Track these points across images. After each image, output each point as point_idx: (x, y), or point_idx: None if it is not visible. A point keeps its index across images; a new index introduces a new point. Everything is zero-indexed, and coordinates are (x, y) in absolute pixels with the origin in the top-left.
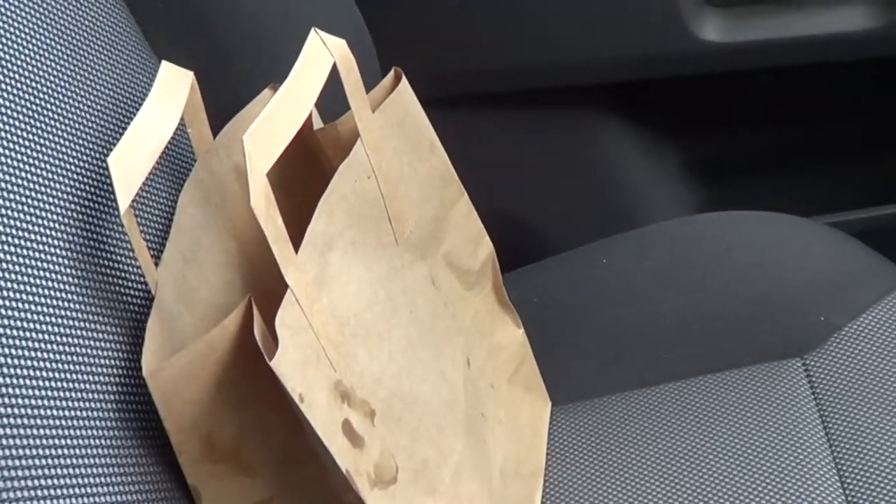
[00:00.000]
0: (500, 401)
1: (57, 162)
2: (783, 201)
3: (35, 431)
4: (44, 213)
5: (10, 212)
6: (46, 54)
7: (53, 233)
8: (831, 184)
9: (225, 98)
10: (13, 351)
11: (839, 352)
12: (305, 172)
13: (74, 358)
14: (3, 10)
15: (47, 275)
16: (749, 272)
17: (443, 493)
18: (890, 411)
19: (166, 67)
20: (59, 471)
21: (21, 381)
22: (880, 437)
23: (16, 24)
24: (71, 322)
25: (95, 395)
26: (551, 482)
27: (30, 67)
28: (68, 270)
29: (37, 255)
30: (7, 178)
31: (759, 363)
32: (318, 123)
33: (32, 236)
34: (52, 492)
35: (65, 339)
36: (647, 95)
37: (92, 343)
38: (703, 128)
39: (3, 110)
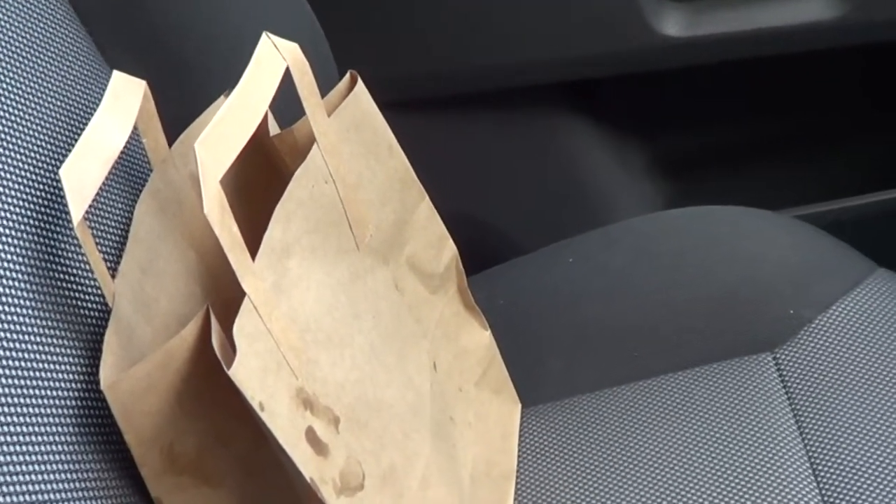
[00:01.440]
0: (468, 404)
1: (8, 175)
2: (750, 195)
3: None
4: None
5: None
6: None
7: (6, 247)
8: (798, 176)
9: (180, 107)
10: None
11: (809, 345)
12: (263, 179)
13: (31, 373)
14: None
15: (1, 290)
16: (717, 267)
17: (411, 499)
18: (861, 403)
19: (118, 77)
20: (18, 487)
21: None
22: (852, 430)
23: None
24: (26, 336)
25: (53, 410)
26: (523, 484)
27: None
28: (23, 284)
29: None
30: None
31: (729, 358)
32: (274, 129)
33: None
34: None
35: (20, 353)
36: (610, 93)
37: (49, 357)
38: (667, 124)
39: None
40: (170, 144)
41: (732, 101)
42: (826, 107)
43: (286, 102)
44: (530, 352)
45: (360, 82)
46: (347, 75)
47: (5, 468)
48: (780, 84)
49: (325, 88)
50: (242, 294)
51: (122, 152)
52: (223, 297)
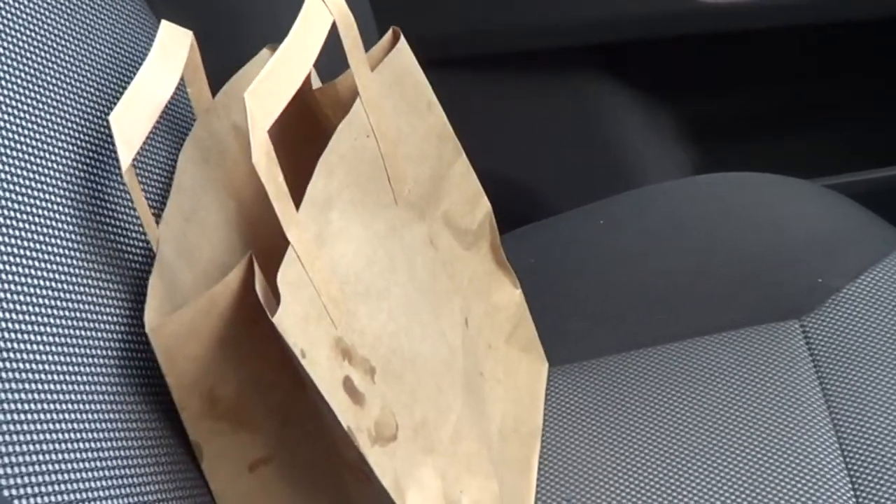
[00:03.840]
0: (498, 361)
1: (59, 121)
2: (781, 163)
3: (39, 386)
4: (46, 172)
5: (13, 170)
6: (47, 14)
7: (56, 191)
8: (829, 145)
9: (223, 58)
10: (17, 307)
11: (837, 313)
12: (305, 132)
13: (77, 314)
14: None
15: (50, 232)
16: (746, 233)
17: (442, 452)
18: (887, 373)
19: (166, 27)
20: (62, 426)
21: (24, 336)
22: (878, 399)
23: None
24: (74, 279)
25: (98, 352)
26: (549, 442)
27: (30, 28)
28: (71, 228)
29: (40, 212)
30: (10, 136)
31: (756, 325)
32: (316, 83)
33: (36, 194)
34: (55, 446)
35: (68, 295)
36: (644, 56)
37: (95, 300)
38: (699, 89)
39: (5, 70)
40: (213, 94)
41: (765, 68)
42: (859, 76)
43: (327, 57)
44: (558, 311)
45: (402, 39)
46: (390, 31)
47: (51, 406)
48: (814, 52)
49: (364, 45)
50: (281, 244)
51: (167, 101)
52: (261, 247)
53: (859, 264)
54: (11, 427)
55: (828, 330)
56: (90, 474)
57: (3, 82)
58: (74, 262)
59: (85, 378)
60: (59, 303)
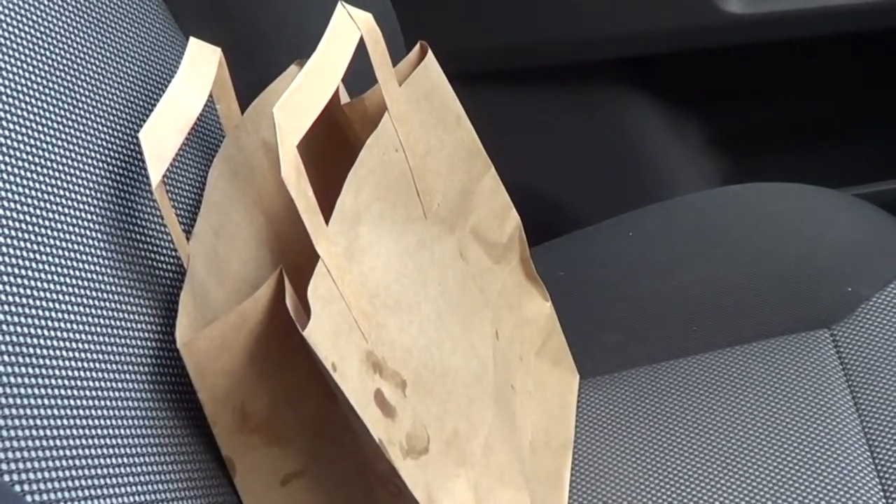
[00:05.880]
0: (528, 373)
1: (89, 139)
2: (809, 173)
3: (71, 402)
4: (78, 190)
5: (45, 188)
6: (75, 33)
7: (87, 208)
8: (857, 155)
9: (252, 74)
10: (49, 323)
11: (867, 322)
12: (333, 147)
13: (109, 330)
14: None
15: (82, 249)
16: (775, 243)
17: (474, 465)
18: None
19: (194, 44)
20: (95, 441)
21: (57, 352)
22: None
23: (44, 4)
24: (106, 295)
25: (130, 367)
26: (580, 454)
27: (60, 46)
28: (103, 245)
29: (71, 230)
30: (41, 155)
31: (786, 334)
32: (344, 98)
33: (67, 211)
34: (87, 461)
35: (100, 311)
36: (671, 69)
37: (126, 316)
38: (727, 100)
39: (37, 88)
40: (241, 110)
41: (792, 78)
42: (886, 85)
43: (354, 73)
44: (589, 323)
45: (430, 53)
46: (417, 46)
47: (83, 421)
48: (841, 62)
49: (392, 60)
50: (310, 259)
51: (197, 118)
52: (291, 262)
53: (888, 273)
54: (44, 443)
55: (858, 339)
56: (122, 489)
57: (34, 101)
58: (106, 278)
59: (117, 394)
60: (90, 319)
